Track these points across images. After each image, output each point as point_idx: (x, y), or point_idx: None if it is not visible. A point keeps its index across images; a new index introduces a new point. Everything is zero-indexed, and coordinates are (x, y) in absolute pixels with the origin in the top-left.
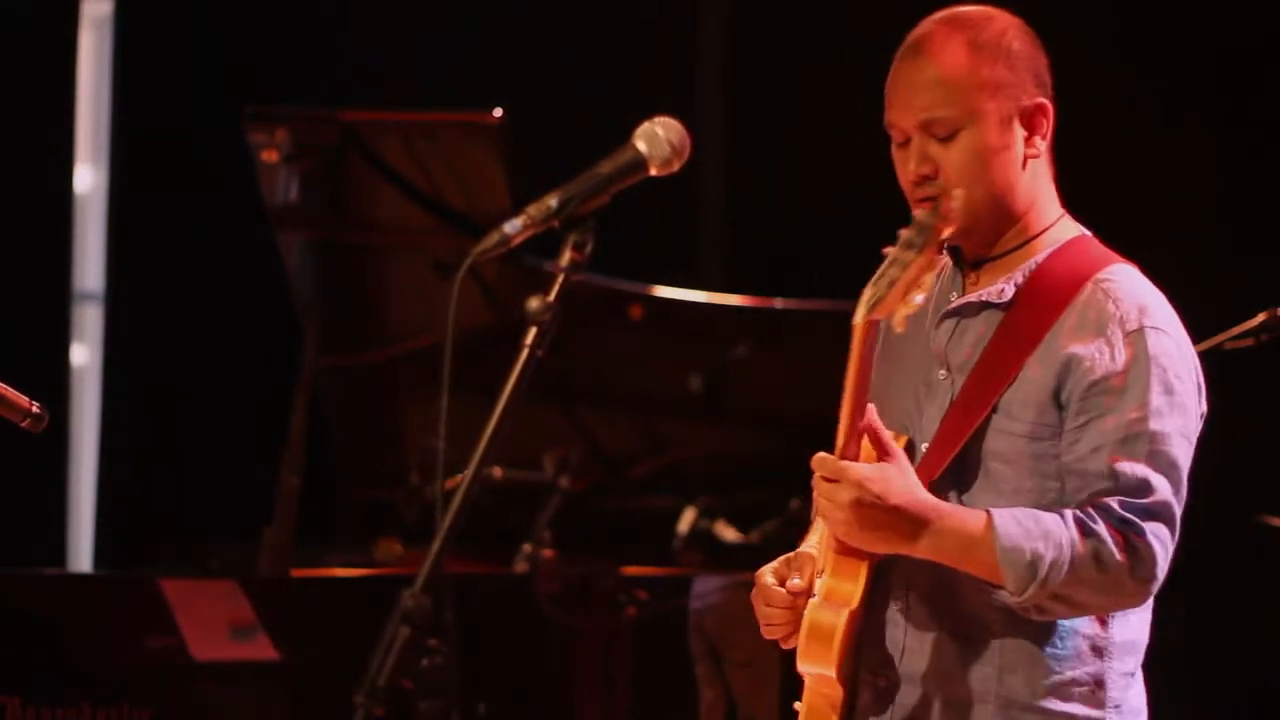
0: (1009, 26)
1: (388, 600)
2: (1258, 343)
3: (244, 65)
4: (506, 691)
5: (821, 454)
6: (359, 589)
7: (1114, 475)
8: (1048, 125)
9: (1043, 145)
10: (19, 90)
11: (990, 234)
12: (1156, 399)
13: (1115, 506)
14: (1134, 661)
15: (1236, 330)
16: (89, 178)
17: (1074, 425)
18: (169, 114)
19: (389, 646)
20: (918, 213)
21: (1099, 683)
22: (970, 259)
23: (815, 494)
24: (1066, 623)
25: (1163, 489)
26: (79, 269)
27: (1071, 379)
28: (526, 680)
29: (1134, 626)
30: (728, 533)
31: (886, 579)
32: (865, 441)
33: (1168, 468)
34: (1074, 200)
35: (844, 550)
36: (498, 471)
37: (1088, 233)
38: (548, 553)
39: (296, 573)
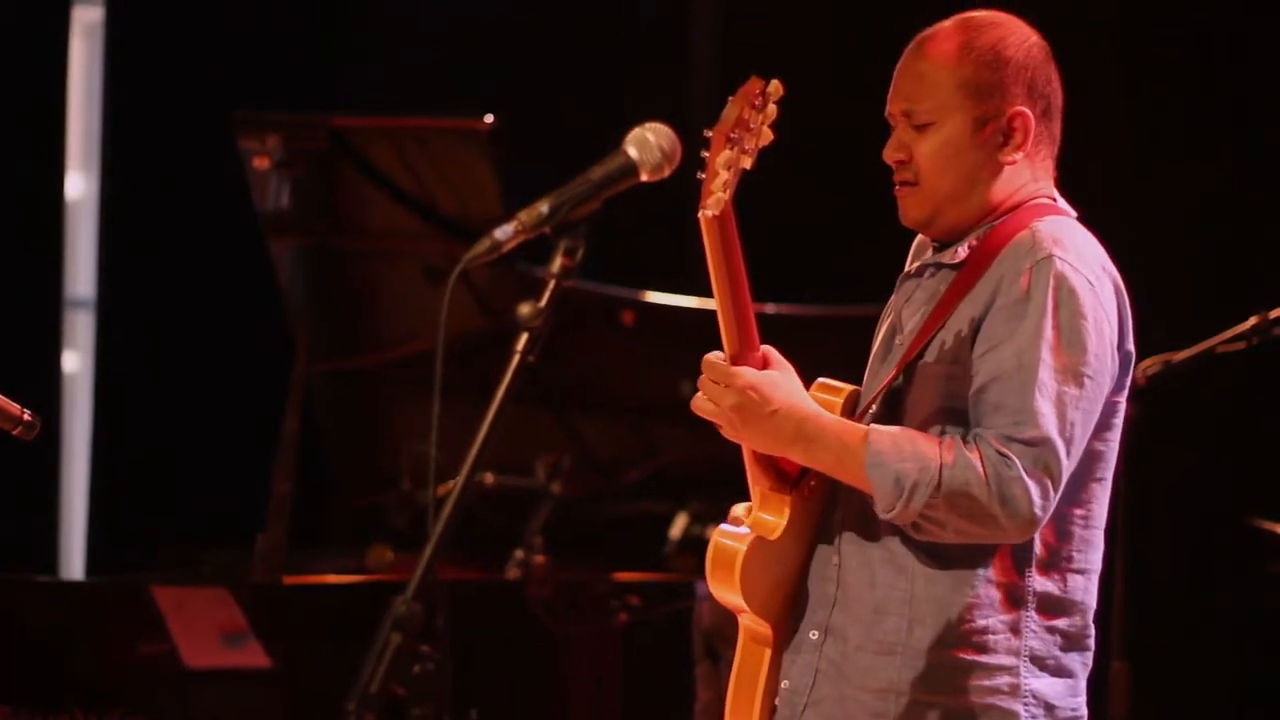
0: (1011, 34)
1: (380, 607)
2: (1249, 347)
3: (235, 72)
4: (499, 698)
5: (711, 356)
6: (351, 595)
7: (998, 406)
8: (1027, 136)
9: (1020, 155)
10: (10, 96)
11: (954, 226)
12: (1049, 331)
13: (992, 439)
14: (1065, 622)
15: (1228, 334)
16: (80, 184)
17: (978, 354)
18: (160, 120)
19: (381, 653)
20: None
21: (1014, 630)
22: (945, 241)
23: (699, 393)
24: (981, 570)
25: (1045, 424)
26: (70, 275)
27: (989, 313)
28: (519, 686)
29: (1060, 582)
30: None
31: (827, 536)
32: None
33: (1054, 401)
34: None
35: (770, 486)
36: (489, 477)
37: (1070, 210)
38: (540, 558)
39: (288, 579)
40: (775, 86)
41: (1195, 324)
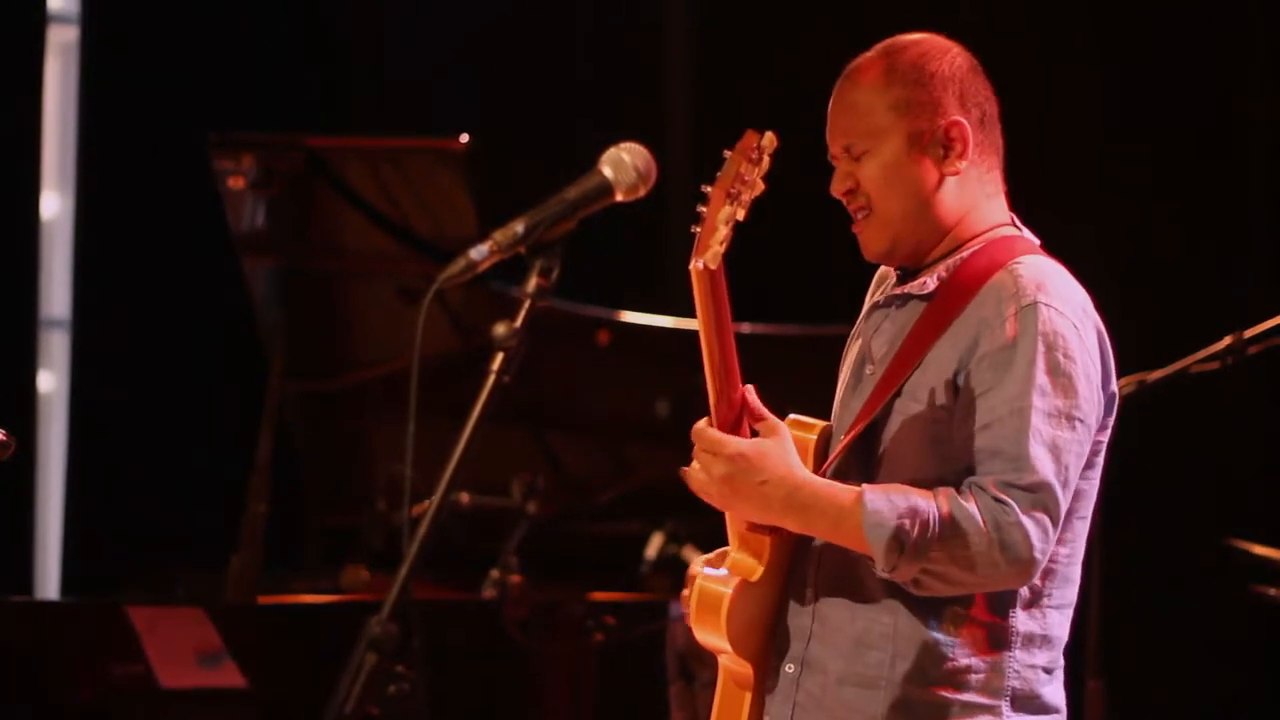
0: (933, 50)
1: (355, 627)
2: (1224, 366)
3: (210, 92)
4: (474, 718)
5: (700, 425)
6: (326, 616)
7: (994, 454)
8: (966, 144)
9: (963, 164)
10: None
11: (913, 249)
12: (1041, 376)
13: (989, 486)
14: (1045, 656)
15: (1202, 354)
16: (55, 204)
17: (965, 402)
18: (135, 140)
19: (356, 673)
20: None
21: (996, 670)
22: (911, 269)
23: (694, 463)
24: (964, 610)
25: (1042, 468)
26: (45, 295)
27: (972, 357)
28: (494, 706)
29: (1041, 620)
30: (695, 557)
31: (801, 569)
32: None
33: (1049, 446)
34: (1040, 220)
35: (749, 527)
36: (465, 497)
37: (1034, 240)
38: (515, 578)
39: (263, 599)
40: (770, 140)
41: (1171, 342)
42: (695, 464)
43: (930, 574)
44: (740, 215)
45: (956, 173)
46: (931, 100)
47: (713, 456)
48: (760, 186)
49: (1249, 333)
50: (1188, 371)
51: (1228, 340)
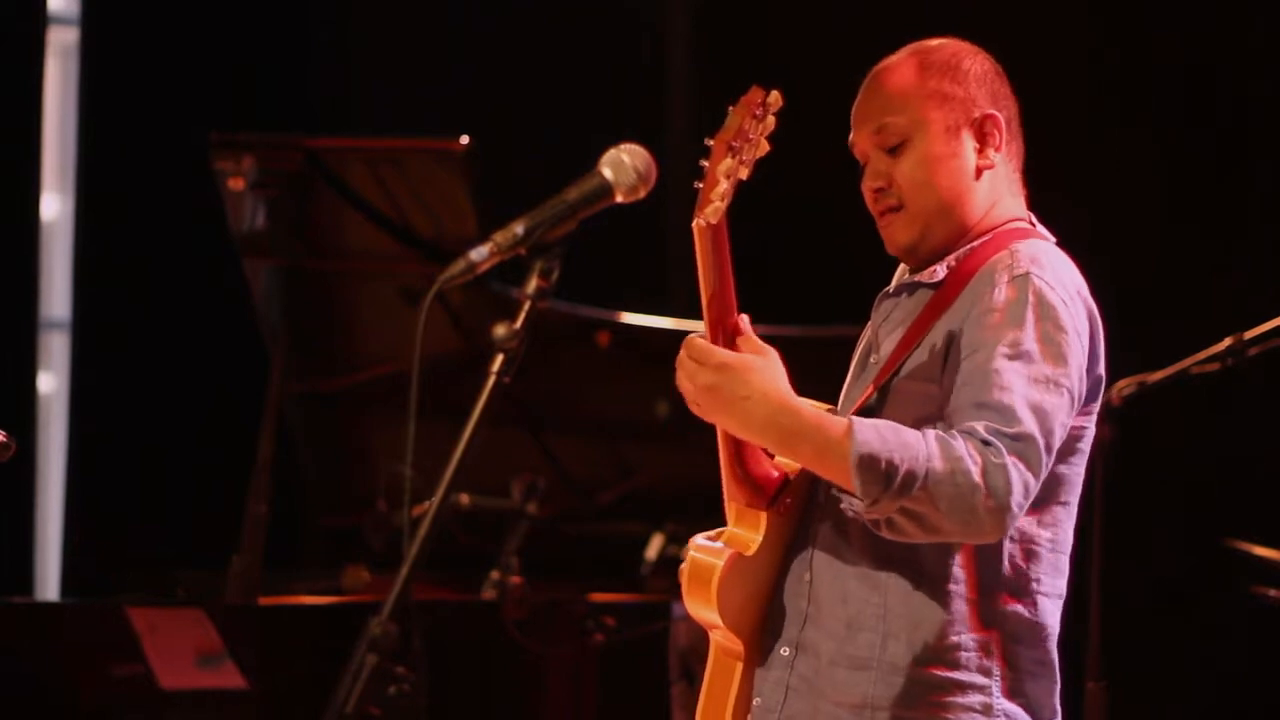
0: (963, 50)
1: (355, 627)
2: (1224, 368)
3: (210, 92)
4: (474, 718)
5: (693, 337)
6: (326, 616)
7: (983, 405)
8: (1000, 137)
9: (997, 156)
10: None
11: (940, 243)
12: (1029, 342)
13: (980, 428)
14: (1035, 644)
15: (1203, 355)
16: (55, 205)
17: (954, 364)
18: (135, 141)
19: (356, 674)
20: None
21: (985, 650)
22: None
23: (678, 373)
24: (953, 587)
25: (1029, 422)
26: (45, 297)
27: (964, 325)
28: (494, 707)
29: (1031, 606)
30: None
31: (801, 549)
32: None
33: (1034, 407)
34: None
35: (747, 503)
36: (465, 498)
37: (1048, 236)
38: (515, 579)
39: (264, 600)
40: (775, 97)
41: (1171, 342)
42: (679, 373)
43: (907, 514)
44: (744, 174)
45: (990, 165)
46: (966, 95)
47: (699, 365)
48: (765, 146)
49: (1249, 334)
50: (1188, 372)
51: (1228, 341)
